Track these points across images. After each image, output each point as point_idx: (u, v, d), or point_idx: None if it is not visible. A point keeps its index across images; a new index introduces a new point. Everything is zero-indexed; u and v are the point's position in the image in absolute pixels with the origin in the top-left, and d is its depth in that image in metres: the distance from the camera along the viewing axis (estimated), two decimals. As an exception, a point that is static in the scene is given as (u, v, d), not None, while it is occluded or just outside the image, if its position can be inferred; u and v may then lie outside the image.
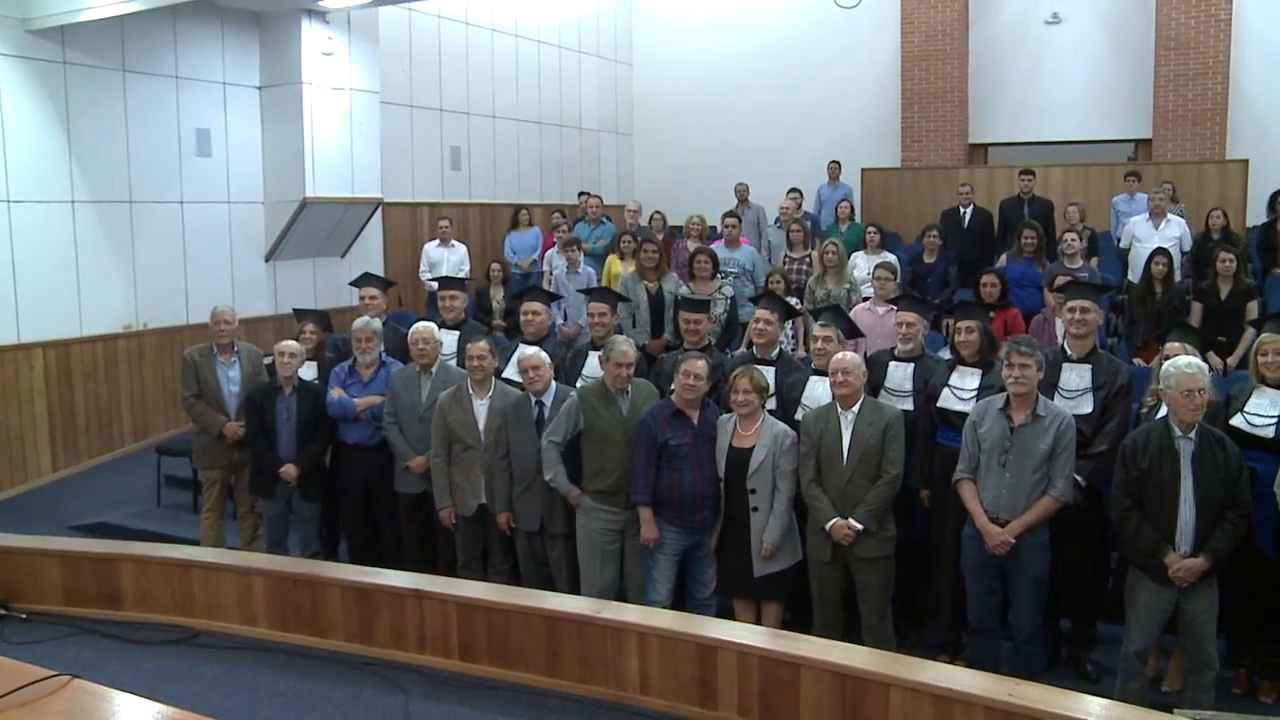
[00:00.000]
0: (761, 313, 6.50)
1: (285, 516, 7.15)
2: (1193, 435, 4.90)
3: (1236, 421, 5.39)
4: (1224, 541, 4.86)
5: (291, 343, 7.13)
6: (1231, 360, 7.89)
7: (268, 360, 7.50)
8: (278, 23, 10.80)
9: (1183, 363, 4.99)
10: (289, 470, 6.90)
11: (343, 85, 11.16)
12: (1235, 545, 4.93)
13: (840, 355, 5.73)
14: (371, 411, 6.89)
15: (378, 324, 7.23)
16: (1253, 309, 8.28)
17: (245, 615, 6.17)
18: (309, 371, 7.33)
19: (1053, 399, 5.53)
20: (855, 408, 5.61)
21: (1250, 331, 7.75)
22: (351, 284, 8.49)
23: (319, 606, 5.98)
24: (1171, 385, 4.91)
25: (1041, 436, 5.22)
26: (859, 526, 5.49)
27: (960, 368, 5.96)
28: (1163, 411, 5.13)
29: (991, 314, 6.83)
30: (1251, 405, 5.40)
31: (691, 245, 9.73)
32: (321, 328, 7.77)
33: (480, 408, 6.44)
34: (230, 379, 7.42)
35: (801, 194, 12.59)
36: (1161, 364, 5.33)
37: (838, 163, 13.67)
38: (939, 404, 5.91)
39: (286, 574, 6.12)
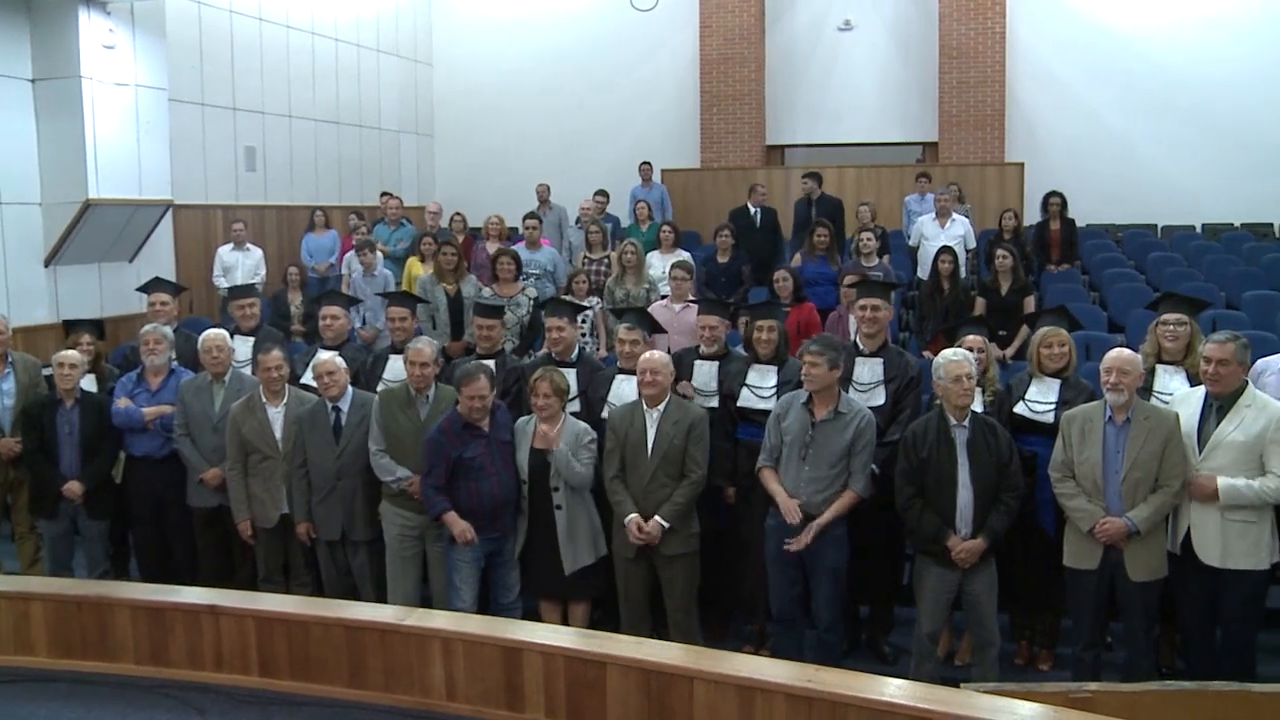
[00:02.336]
0: (552, 321, 6.50)
1: (70, 536, 6.78)
2: (966, 423, 5.20)
3: (1019, 409, 5.71)
4: (1000, 522, 5.17)
5: (72, 353, 6.73)
6: (1009, 352, 8.33)
7: (47, 372, 7.08)
8: (51, 11, 10.13)
9: (949, 353, 5.33)
10: (73, 487, 6.54)
11: (127, 81, 10.60)
12: (1010, 524, 5.24)
13: (649, 355, 5.79)
14: (161, 422, 6.59)
15: (168, 329, 6.94)
16: (1030, 303, 8.81)
17: (21, 645, 5.75)
18: (88, 385, 6.93)
19: (847, 392, 5.71)
20: (661, 406, 5.68)
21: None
22: (139, 289, 8.12)
23: (106, 629, 5.65)
24: (942, 375, 5.20)
25: (842, 432, 5.39)
26: (665, 525, 5.56)
27: (757, 366, 6.10)
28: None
29: (787, 310, 7.02)
30: (1031, 393, 5.73)
31: (491, 247, 9.71)
32: (97, 337, 7.35)
33: (276, 416, 6.26)
34: (3, 392, 6.94)
35: (608, 195, 12.67)
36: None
37: (649, 164, 13.78)
38: (739, 404, 6.03)
39: (69, 597, 5.75)
